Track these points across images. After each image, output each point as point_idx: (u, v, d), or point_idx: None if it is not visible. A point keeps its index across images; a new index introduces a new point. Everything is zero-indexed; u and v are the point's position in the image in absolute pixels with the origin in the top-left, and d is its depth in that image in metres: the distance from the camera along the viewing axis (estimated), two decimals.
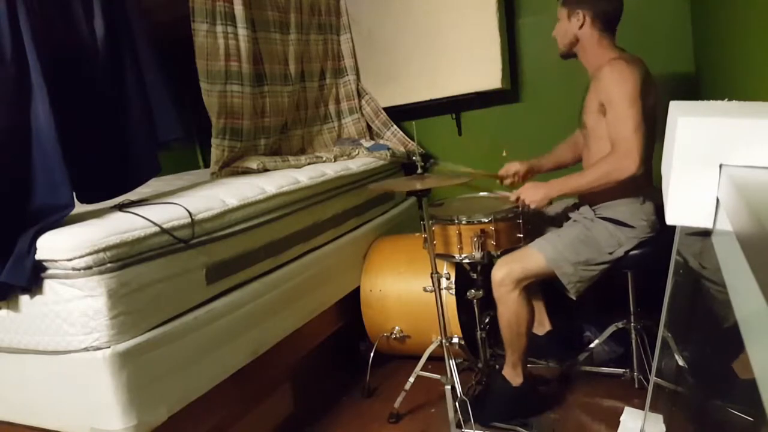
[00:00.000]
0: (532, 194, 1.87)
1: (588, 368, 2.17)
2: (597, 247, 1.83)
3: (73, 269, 1.32)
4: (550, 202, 1.91)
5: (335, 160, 2.67)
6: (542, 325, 2.26)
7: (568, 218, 2.03)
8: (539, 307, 2.25)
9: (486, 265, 2.06)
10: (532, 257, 1.84)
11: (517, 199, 1.92)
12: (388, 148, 2.94)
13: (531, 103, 3.02)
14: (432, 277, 1.95)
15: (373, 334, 2.42)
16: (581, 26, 1.87)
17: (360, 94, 3.19)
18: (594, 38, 1.87)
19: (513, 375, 1.92)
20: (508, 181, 2.22)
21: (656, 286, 1.24)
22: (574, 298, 1.85)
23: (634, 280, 2.01)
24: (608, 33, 1.87)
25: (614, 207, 1.86)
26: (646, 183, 1.84)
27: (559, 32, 1.95)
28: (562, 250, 1.82)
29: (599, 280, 1.87)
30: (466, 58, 2.88)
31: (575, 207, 2.06)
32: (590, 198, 1.95)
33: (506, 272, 1.83)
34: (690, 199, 0.60)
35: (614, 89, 1.74)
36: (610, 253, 1.82)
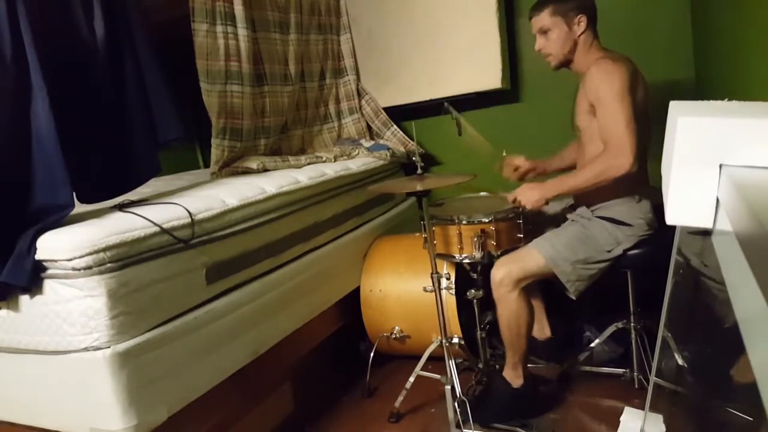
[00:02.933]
0: (528, 196, 1.87)
1: (588, 368, 2.17)
2: (595, 245, 1.83)
3: (73, 269, 1.31)
4: (547, 203, 1.91)
5: (335, 160, 2.66)
6: (542, 332, 2.25)
7: (566, 219, 2.03)
8: (540, 312, 2.23)
9: (486, 265, 2.06)
10: (531, 257, 1.84)
11: (515, 200, 1.92)
12: (388, 148, 2.94)
13: (531, 103, 3.02)
14: (432, 277, 1.95)
15: (373, 334, 2.42)
16: (584, 31, 1.84)
17: (360, 94, 3.19)
18: (588, 41, 1.86)
19: (513, 376, 1.92)
20: (508, 174, 2.21)
21: (656, 286, 1.24)
22: (574, 298, 1.85)
23: (634, 280, 2.01)
24: (595, 32, 1.87)
25: (611, 206, 1.87)
26: (641, 181, 1.84)
27: (554, 43, 1.87)
28: (560, 249, 1.82)
29: (599, 280, 1.87)
30: (466, 58, 2.88)
31: (572, 208, 2.05)
32: (587, 198, 1.95)
33: (505, 272, 1.83)
34: (690, 199, 0.60)
35: (602, 88, 1.73)
36: (609, 251, 1.82)
